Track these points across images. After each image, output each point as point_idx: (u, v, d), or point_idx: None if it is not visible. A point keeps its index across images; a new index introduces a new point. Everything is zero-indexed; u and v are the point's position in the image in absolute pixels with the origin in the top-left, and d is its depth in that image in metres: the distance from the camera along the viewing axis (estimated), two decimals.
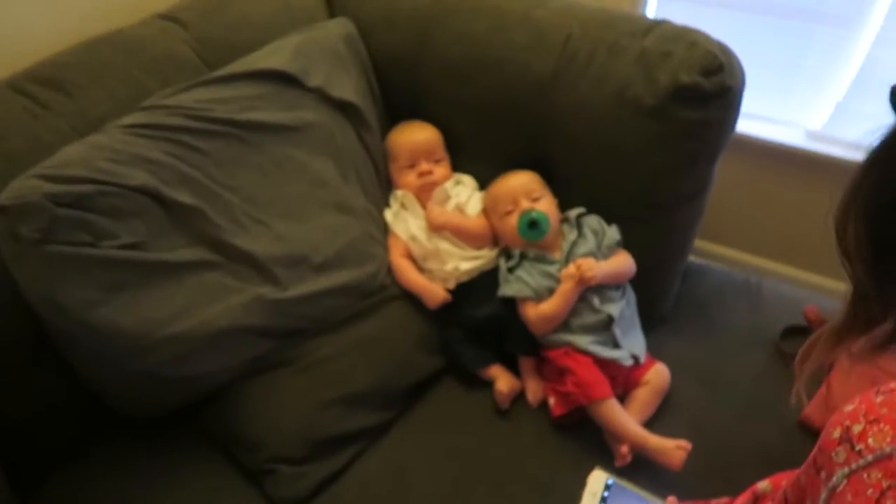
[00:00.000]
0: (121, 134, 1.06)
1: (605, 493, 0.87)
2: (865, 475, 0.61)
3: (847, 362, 1.05)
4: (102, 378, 1.11)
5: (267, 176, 1.17)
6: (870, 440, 0.63)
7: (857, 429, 0.64)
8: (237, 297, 1.10)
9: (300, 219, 1.19)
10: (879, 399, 0.65)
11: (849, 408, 0.68)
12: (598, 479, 0.90)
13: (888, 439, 0.61)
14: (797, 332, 1.28)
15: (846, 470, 0.63)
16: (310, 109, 1.23)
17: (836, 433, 0.67)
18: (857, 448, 0.63)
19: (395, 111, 1.41)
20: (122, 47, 1.16)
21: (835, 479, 0.64)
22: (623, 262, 1.25)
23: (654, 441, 1.09)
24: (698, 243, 1.42)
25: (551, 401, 1.19)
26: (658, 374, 1.19)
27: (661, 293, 1.37)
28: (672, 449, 1.07)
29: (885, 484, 0.59)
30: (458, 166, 1.40)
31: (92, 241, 0.98)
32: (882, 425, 0.63)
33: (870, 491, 0.59)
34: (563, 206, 1.32)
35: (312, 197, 1.21)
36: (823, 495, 0.66)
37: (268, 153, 1.17)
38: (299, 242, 1.17)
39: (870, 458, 0.61)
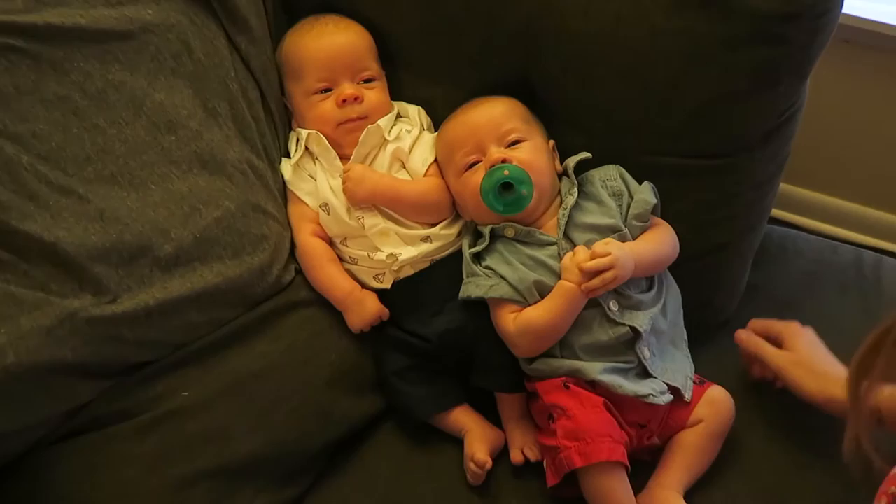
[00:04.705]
0: None
1: None
2: None
3: None
4: None
5: (78, 115, 1.09)
6: None
7: None
8: (34, 316, 1.02)
9: (136, 184, 1.12)
10: None
11: None
12: None
13: None
14: None
15: None
16: (149, 3, 1.15)
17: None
18: None
19: (298, 5, 1.35)
20: None
21: None
22: (662, 241, 1.19)
23: None
24: (782, 188, 1.35)
25: (546, 463, 1.14)
26: (715, 405, 1.16)
27: (722, 287, 1.33)
28: None
29: None
30: (399, 91, 1.32)
31: None
32: None
33: None
34: (564, 151, 1.24)
35: (156, 147, 1.14)
36: None
37: (78, 78, 1.10)
38: (136, 223, 1.10)
39: None
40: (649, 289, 1.18)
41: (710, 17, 1.09)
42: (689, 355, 1.21)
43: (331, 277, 1.23)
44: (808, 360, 1.10)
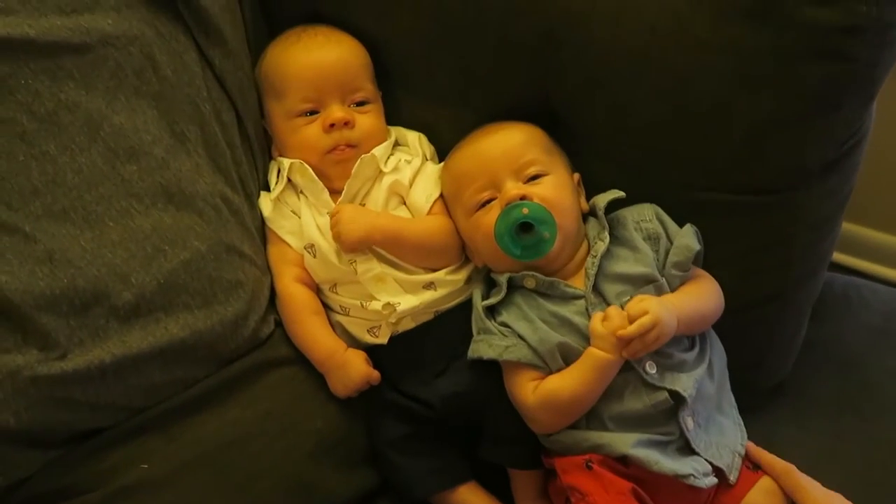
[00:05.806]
0: None
1: None
2: None
3: None
4: None
5: (25, 141, 1.09)
6: None
7: None
8: None
9: (91, 220, 1.12)
10: None
11: None
12: None
13: None
14: None
15: None
16: (108, 11, 1.16)
17: None
18: None
19: (281, 15, 1.36)
20: None
21: None
22: (706, 296, 1.18)
23: None
24: (845, 229, 1.34)
25: None
26: (773, 496, 1.14)
27: (774, 345, 1.32)
28: None
29: None
30: (398, 114, 1.33)
31: None
32: None
33: None
34: (591, 187, 1.24)
35: (114, 177, 1.14)
36: None
37: (26, 98, 1.09)
38: (90, 266, 1.10)
39: None
40: (692, 347, 1.17)
41: (759, 30, 1.08)
42: (741, 421, 1.20)
43: (312, 334, 1.22)
44: None
